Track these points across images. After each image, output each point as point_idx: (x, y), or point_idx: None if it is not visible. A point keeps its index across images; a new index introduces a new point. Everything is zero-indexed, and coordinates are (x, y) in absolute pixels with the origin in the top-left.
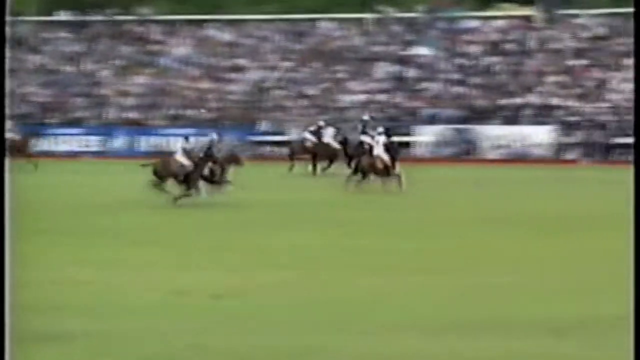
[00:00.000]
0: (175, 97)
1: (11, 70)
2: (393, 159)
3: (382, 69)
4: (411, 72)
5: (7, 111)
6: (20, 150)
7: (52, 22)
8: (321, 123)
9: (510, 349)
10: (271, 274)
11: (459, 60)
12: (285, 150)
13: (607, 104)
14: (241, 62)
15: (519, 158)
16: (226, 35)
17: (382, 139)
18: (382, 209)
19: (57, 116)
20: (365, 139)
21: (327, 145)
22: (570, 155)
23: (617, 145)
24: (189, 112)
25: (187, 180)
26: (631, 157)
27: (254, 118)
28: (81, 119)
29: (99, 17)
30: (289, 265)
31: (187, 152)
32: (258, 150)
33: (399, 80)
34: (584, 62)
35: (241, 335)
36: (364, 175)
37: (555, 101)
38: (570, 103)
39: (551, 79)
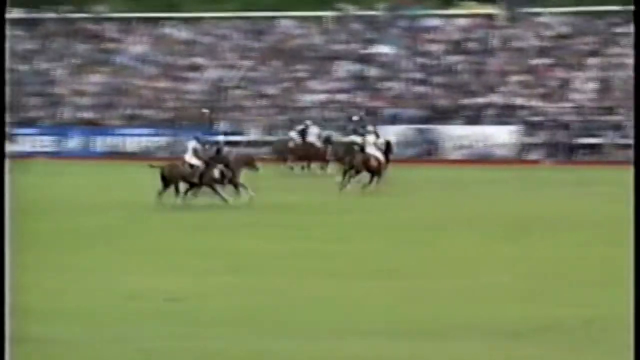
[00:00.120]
0: (131, 96)
1: None
2: (387, 158)
3: (343, 68)
4: (372, 71)
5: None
6: None
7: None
8: (308, 122)
9: (469, 352)
10: (225, 278)
11: (421, 59)
12: (245, 151)
13: (570, 104)
14: (199, 60)
15: (482, 158)
16: (183, 34)
17: (372, 138)
18: (341, 212)
19: (10, 116)
20: (356, 139)
21: (311, 145)
22: (533, 156)
23: (581, 145)
24: (146, 112)
25: (201, 180)
26: (595, 158)
27: (212, 118)
28: (35, 118)
29: (53, 15)
30: (243, 269)
31: (197, 153)
32: None
33: (360, 80)
34: (547, 61)
35: (191, 340)
36: (357, 172)
37: (518, 101)
38: (533, 103)
39: (514, 78)
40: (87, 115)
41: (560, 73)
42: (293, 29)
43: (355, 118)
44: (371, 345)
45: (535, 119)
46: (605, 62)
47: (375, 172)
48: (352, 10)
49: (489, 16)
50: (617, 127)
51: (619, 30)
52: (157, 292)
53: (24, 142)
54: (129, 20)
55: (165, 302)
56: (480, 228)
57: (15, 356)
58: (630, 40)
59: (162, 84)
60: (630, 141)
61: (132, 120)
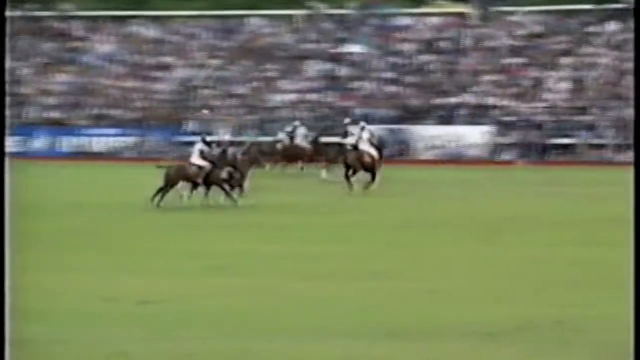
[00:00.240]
0: (98, 96)
1: None
2: (380, 155)
3: (313, 67)
4: (343, 71)
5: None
6: None
7: None
8: (296, 123)
9: (445, 353)
10: (202, 279)
11: (393, 59)
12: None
13: (543, 104)
14: (167, 59)
15: (454, 159)
16: (152, 32)
17: (365, 134)
18: (315, 213)
19: None
20: (347, 141)
21: (296, 146)
22: (506, 156)
23: (554, 145)
24: (113, 112)
25: (207, 182)
26: (568, 158)
27: (181, 118)
28: None
29: (19, 13)
30: (220, 271)
31: (203, 154)
32: (185, 151)
33: (331, 79)
34: (519, 60)
35: (165, 342)
36: (354, 171)
37: (490, 101)
38: (506, 103)
39: (486, 78)
40: (53, 115)
41: (533, 72)
42: (263, 27)
43: (346, 121)
44: (347, 346)
45: (508, 119)
46: (578, 61)
47: (370, 168)
48: (323, 9)
49: (461, 15)
50: (590, 127)
51: (591, 29)
52: (135, 293)
53: None
54: (96, 18)
55: (141, 304)
56: (452, 229)
57: None
58: (602, 39)
59: (130, 83)
60: (603, 141)
61: (99, 120)
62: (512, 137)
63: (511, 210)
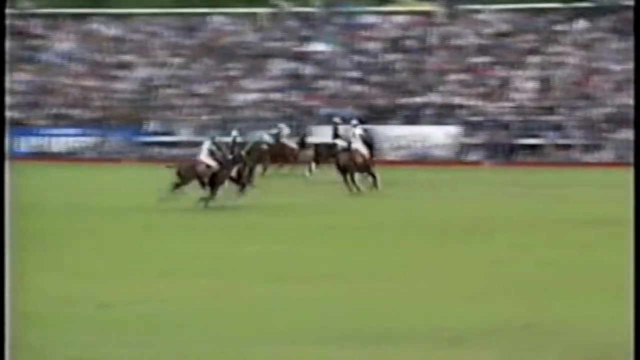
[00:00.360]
0: (57, 95)
1: None
2: (371, 154)
3: (278, 66)
4: (308, 70)
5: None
6: None
7: None
8: (281, 125)
9: (414, 357)
10: (164, 282)
11: (358, 58)
12: (175, 152)
13: (510, 104)
14: (128, 58)
15: (420, 159)
16: (112, 30)
17: (358, 131)
18: (281, 215)
19: None
20: (339, 141)
21: (285, 146)
22: (472, 157)
23: (521, 146)
24: (73, 111)
25: (213, 182)
26: (535, 159)
27: (142, 118)
28: None
29: None
30: (184, 273)
31: (212, 153)
32: (146, 152)
33: (295, 78)
34: (486, 59)
35: (124, 347)
36: (345, 172)
37: (457, 100)
38: (472, 102)
39: (453, 77)
40: (11, 114)
41: (500, 72)
42: (226, 25)
43: (336, 120)
44: (306, 351)
45: (475, 119)
46: (545, 60)
47: (363, 169)
48: (287, 7)
49: (428, 13)
50: (557, 127)
51: (559, 28)
52: (95, 296)
53: None
54: (55, 16)
55: (99, 308)
56: (418, 231)
57: None
58: (570, 38)
59: (90, 82)
60: (571, 141)
61: (58, 120)
62: (479, 138)
63: (479, 212)
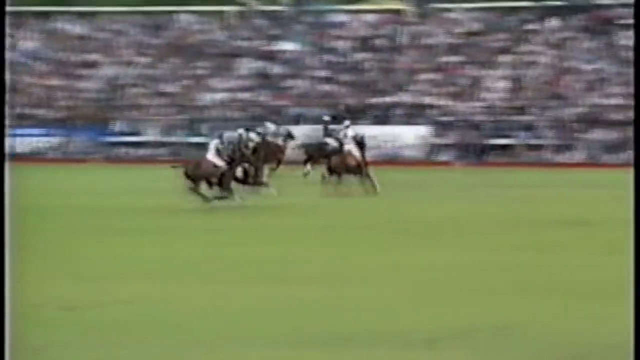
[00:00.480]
0: (21, 94)
1: None
2: (362, 155)
3: (245, 66)
4: (276, 69)
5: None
6: None
7: None
8: (267, 124)
9: None
10: (130, 286)
11: (327, 57)
12: (142, 152)
13: (481, 104)
14: (93, 57)
15: (390, 160)
16: (77, 29)
17: (349, 132)
18: (263, 215)
19: None
20: (329, 141)
21: (269, 144)
22: (443, 157)
23: (492, 146)
24: (37, 111)
25: (221, 181)
26: (506, 159)
27: (108, 117)
28: None
29: None
30: (149, 276)
31: (219, 152)
32: (112, 152)
33: (263, 78)
34: (457, 59)
35: (87, 351)
36: (338, 175)
37: (427, 100)
38: (443, 102)
39: (423, 76)
40: None
41: (470, 71)
42: (193, 24)
43: (326, 118)
44: (268, 355)
45: (445, 119)
46: (517, 60)
47: (355, 171)
48: (255, 5)
49: (398, 12)
50: (528, 127)
51: (530, 27)
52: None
53: None
54: (19, 14)
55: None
56: (388, 232)
57: None
58: (542, 37)
59: (55, 81)
60: (542, 142)
61: (22, 120)
62: (450, 138)
63: (449, 213)
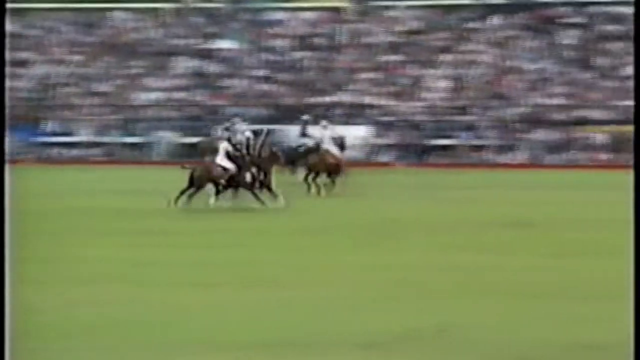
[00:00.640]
0: None
1: None
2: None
3: (181, 64)
4: (213, 68)
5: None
6: None
7: None
8: (236, 119)
9: None
10: (79, 289)
11: (265, 55)
12: (75, 152)
13: (422, 103)
14: (25, 55)
15: None
16: (7, 26)
17: (327, 132)
18: (198, 219)
19: None
20: (305, 140)
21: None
22: (384, 158)
23: (433, 147)
24: None
25: (230, 184)
26: (448, 160)
27: (40, 117)
28: None
29: None
30: (96, 280)
31: (229, 154)
32: (45, 152)
33: (200, 77)
34: (398, 58)
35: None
36: (316, 174)
37: (367, 100)
38: (383, 102)
39: (363, 75)
40: None
41: (411, 70)
42: (127, 22)
43: (305, 117)
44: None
45: (386, 119)
46: (458, 59)
47: (334, 171)
48: (192, 3)
49: (337, 10)
50: (470, 127)
51: (472, 25)
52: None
53: None
54: None
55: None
56: (328, 235)
57: None
58: (484, 36)
59: None
60: (484, 142)
61: None
62: (390, 138)
63: (390, 214)
